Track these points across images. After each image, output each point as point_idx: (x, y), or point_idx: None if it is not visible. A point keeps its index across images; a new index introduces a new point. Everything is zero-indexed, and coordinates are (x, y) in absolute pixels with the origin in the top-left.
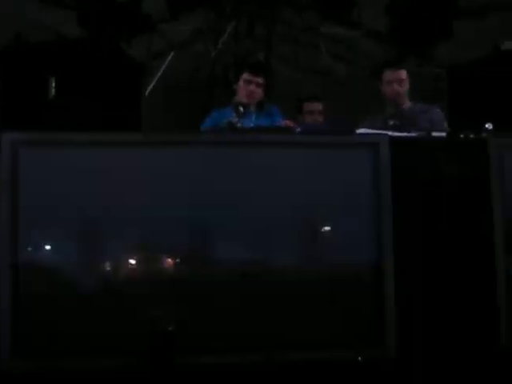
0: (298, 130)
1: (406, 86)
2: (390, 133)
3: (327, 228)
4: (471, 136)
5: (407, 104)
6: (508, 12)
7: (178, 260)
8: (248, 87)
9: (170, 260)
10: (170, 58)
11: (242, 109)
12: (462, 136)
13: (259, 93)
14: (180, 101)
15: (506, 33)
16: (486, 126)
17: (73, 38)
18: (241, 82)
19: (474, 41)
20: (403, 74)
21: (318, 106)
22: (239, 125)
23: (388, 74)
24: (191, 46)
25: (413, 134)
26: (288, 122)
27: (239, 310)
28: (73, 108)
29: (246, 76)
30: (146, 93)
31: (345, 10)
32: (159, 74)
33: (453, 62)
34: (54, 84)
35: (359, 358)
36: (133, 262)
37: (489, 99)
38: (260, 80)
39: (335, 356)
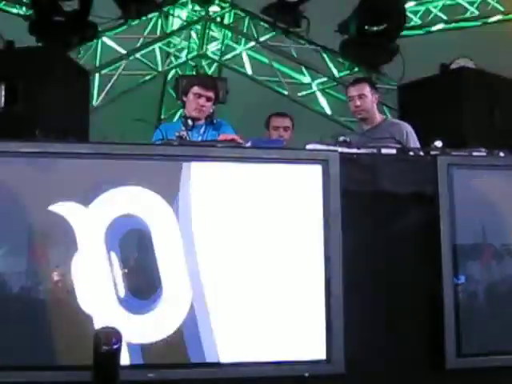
0: (248, 144)
1: (370, 99)
2: (339, 149)
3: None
4: (421, 153)
5: (378, 119)
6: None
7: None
8: (198, 101)
9: None
10: (122, 67)
11: (191, 122)
12: (411, 153)
13: (209, 106)
14: (131, 111)
15: (453, 50)
16: (436, 143)
17: (23, 46)
18: (190, 96)
19: (423, 58)
20: (365, 88)
21: (283, 122)
22: (187, 138)
23: (350, 90)
24: (142, 55)
25: (362, 151)
26: (224, 136)
27: None
28: (22, 116)
29: (196, 89)
30: (94, 102)
31: (294, 24)
32: (111, 83)
33: (403, 79)
34: (3, 92)
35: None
36: None
37: (438, 116)
38: (210, 94)
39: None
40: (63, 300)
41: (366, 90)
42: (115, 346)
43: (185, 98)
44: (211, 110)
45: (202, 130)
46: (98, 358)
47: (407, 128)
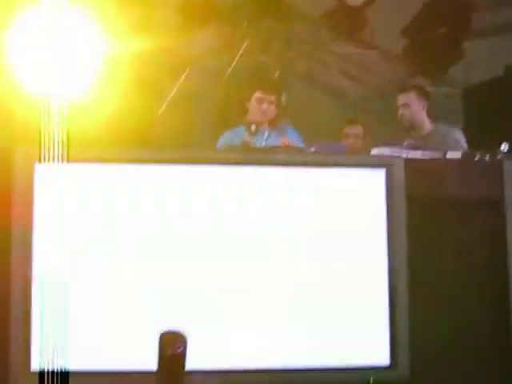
0: (312, 149)
1: (415, 109)
2: (404, 153)
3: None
4: (486, 157)
5: (427, 128)
6: None
7: None
8: (260, 106)
9: None
10: (184, 75)
11: (254, 127)
12: (477, 157)
13: (272, 111)
14: (195, 119)
15: None
16: (502, 146)
17: None
18: (253, 101)
19: (488, 61)
20: (409, 97)
21: (354, 130)
22: (251, 145)
23: (398, 99)
24: (205, 63)
25: (427, 155)
26: (286, 141)
27: None
28: None
29: (257, 94)
30: (159, 111)
31: (357, 29)
32: (174, 91)
33: (467, 83)
34: None
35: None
36: None
37: (503, 119)
38: (272, 98)
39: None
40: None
41: (411, 98)
42: (179, 350)
43: (247, 104)
44: (274, 115)
45: (266, 135)
46: (161, 362)
47: (457, 133)
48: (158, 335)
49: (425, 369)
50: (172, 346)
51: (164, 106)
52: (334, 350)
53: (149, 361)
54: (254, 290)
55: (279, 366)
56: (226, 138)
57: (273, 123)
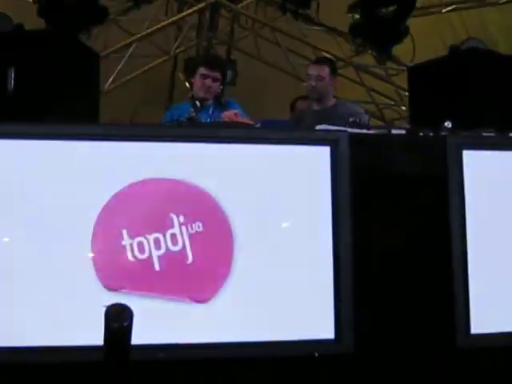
0: (258, 125)
1: (327, 82)
2: (349, 129)
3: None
4: (430, 134)
5: (331, 101)
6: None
7: None
8: (204, 81)
9: None
10: (131, 50)
11: (198, 103)
12: (421, 134)
13: (216, 87)
14: (141, 94)
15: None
16: (445, 124)
17: (32, 28)
18: (197, 77)
19: (433, 39)
20: (324, 70)
21: (318, 70)
22: (196, 119)
23: (309, 69)
24: (153, 38)
25: (372, 131)
26: (228, 114)
27: None
28: (32, 100)
29: (202, 70)
30: (106, 86)
31: (303, 5)
32: (120, 65)
33: (413, 60)
34: (12, 75)
35: (316, 354)
36: None
37: (448, 98)
38: (217, 74)
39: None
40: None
41: (325, 72)
42: (125, 323)
43: (192, 79)
44: (219, 91)
45: (211, 111)
46: (108, 336)
47: (359, 110)
48: (104, 309)
49: (369, 343)
50: (118, 319)
51: (110, 81)
52: (280, 323)
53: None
54: None
55: (224, 340)
56: (171, 114)
57: (217, 99)
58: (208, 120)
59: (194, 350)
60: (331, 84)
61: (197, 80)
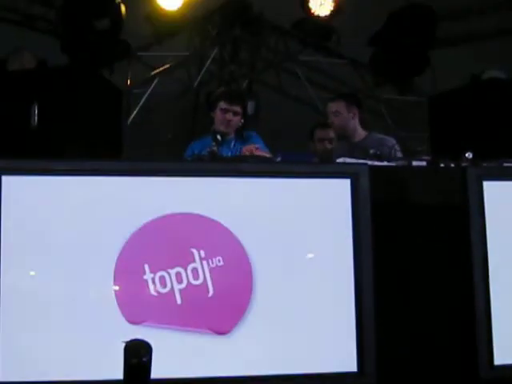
0: (279, 158)
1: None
2: (369, 162)
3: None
4: (451, 165)
5: (359, 135)
6: (483, 41)
7: None
8: (225, 116)
9: None
10: (153, 84)
11: (219, 137)
12: (442, 165)
13: (236, 121)
14: (164, 129)
15: (483, 61)
16: (466, 154)
17: (55, 64)
18: (217, 111)
19: (454, 70)
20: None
21: (328, 134)
22: (218, 153)
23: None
24: (175, 73)
25: (393, 164)
26: (249, 148)
27: None
28: (55, 135)
29: (222, 105)
30: (129, 121)
31: (324, 38)
32: (142, 101)
33: (434, 91)
34: (36, 111)
35: None
36: None
37: (469, 128)
38: (237, 108)
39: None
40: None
41: (341, 106)
42: (144, 359)
43: (213, 114)
44: (240, 124)
45: (232, 145)
46: (127, 371)
47: (392, 142)
48: (124, 345)
49: (392, 374)
50: (137, 355)
51: (134, 115)
52: (302, 356)
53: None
54: None
55: (246, 373)
56: (193, 148)
57: (238, 133)
58: (229, 154)
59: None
60: (351, 117)
61: (217, 114)
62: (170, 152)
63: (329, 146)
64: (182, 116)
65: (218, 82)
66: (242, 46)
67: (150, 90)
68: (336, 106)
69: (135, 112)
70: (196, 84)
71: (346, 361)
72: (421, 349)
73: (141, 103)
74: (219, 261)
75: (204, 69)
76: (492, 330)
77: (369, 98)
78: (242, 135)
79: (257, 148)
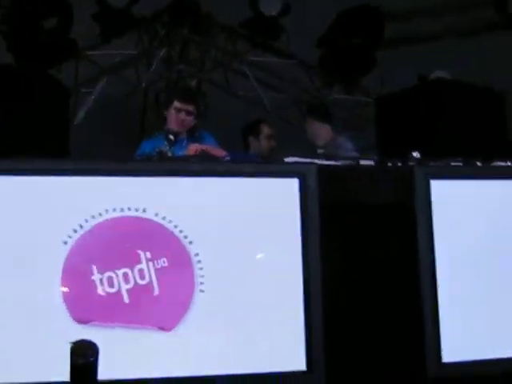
0: (227, 158)
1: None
2: (318, 161)
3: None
4: (399, 164)
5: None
6: (433, 42)
7: None
8: (178, 115)
9: None
10: (101, 84)
11: (172, 137)
12: (389, 164)
13: (190, 120)
14: (111, 128)
15: (431, 62)
16: (413, 154)
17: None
18: (171, 110)
19: (400, 70)
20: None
21: (273, 131)
22: (169, 153)
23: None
24: (123, 72)
25: (340, 163)
26: (194, 147)
27: None
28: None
29: (176, 104)
30: (76, 120)
31: (273, 38)
32: (90, 100)
33: (381, 91)
34: None
35: None
36: None
37: (416, 128)
38: (190, 108)
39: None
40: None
41: (309, 120)
42: (91, 359)
43: (165, 113)
44: (192, 124)
45: (184, 144)
46: (73, 372)
47: (346, 144)
48: (70, 345)
49: (340, 374)
50: (83, 355)
51: (81, 114)
52: (249, 355)
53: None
54: None
55: (191, 372)
56: (144, 147)
57: (191, 132)
58: (181, 153)
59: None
60: (317, 128)
61: (171, 113)
62: (118, 152)
63: (275, 144)
64: (130, 116)
65: (166, 82)
66: (190, 46)
67: (98, 90)
68: (307, 120)
69: (83, 111)
70: (144, 84)
71: (294, 360)
72: (369, 348)
73: (88, 103)
74: (164, 262)
75: (152, 68)
76: (440, 327)
77: (316, 99)
78: (194, 135)
79: (204, 148)
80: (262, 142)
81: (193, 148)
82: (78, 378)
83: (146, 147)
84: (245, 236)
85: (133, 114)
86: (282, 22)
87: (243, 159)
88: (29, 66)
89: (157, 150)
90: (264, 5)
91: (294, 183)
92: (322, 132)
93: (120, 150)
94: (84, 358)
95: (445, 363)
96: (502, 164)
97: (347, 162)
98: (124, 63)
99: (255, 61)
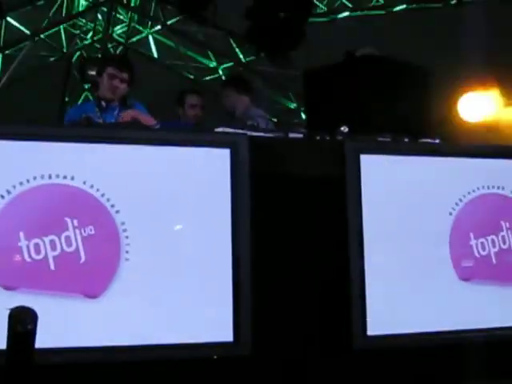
0: (158, 126)
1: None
2: (248, 132)
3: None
4: (327, 138)
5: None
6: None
7: None
8: (112, 82)
9: None
10: (25, 47)
11: (104, 103)
12: (318, 138)
13: (123, 88)
14: (36, 93)
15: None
16: (342, 128)
17: None
18: (104, 76)
19: (329, 45)
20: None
21: (199, 100)
22: (100, 120)
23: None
24: (48, 37)
25: (270, 135)
26: (130, 113)
27: None
28: None
29: (110, 70)
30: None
31: (201, 7)
32: (14, 64)
33: (309, 66)
34: None
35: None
36: None
37: (344, 103)
38: (125, 75)
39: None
40: None
41: (228, 92)
42: (29, 327)
43: (98, 79)
44: (125, 92)
45: (116, 112)
46: (12, 339)
47: (261, 113)
48: (8, 312)
49: (267, 345)
50: (22, 322)
51: (4, 78)
52: (176, 325)
53: None
54: None
55: (119, 341)
56: (73, 114)
57: (123, 100)
58: (113, 121)
59: (87, 354)
60: (235, 99)
61: (104, 80)
62: (42, 116)
63: (200, 113)
64: (53, 81)
65: (92, 49)
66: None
67: (22, 54)
68: (226, 92)
69: (7, 75)
70: (69, 49)
71: (221, 330)
72: (296, 320)
73: (13, 66)
74: (91, 230)
75: (78, 35)
76: (366, 300)
77: (244, 70)
78: (126, 103)
79: (138, 114)
80: (187, 112)
81: (129, 113)
82: (17, 345)
83: (75, 114)
84: (173, 205)
85: (56, 80)
86: None
87: (174, 127)
88: None
89: (83, 115)
90: None
91: (225, 153)
92: (238, 104)
93: (43, 114)
94: (23, 325)
95: (370, 336)
96: (430, 141)
97: (276, 135)
98: (48, 28)
99: (183, 30)
